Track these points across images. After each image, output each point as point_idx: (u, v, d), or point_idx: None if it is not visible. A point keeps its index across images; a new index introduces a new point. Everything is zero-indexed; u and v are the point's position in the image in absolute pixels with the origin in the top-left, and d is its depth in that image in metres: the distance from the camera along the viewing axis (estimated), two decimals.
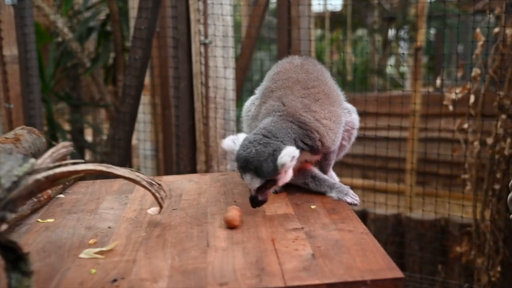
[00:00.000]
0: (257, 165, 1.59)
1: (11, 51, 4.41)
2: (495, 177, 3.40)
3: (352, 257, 1.37)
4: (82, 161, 1.29)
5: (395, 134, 4.21)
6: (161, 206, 1.60)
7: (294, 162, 1.62)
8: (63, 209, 1.86)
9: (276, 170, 1.60)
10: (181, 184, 2.13)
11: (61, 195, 2.02)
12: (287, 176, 1.67)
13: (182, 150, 3.72)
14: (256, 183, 1.62)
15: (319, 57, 7.06)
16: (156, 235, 1.57)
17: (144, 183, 1.46)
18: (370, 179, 4.65)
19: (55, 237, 1.59)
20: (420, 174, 4.88)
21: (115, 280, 1.29)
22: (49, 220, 1.74)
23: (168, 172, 4.06)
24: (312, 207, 1.78)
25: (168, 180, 2.19)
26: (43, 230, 1.66)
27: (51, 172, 1.16)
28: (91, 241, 1.54)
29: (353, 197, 1.84)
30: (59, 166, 1.22)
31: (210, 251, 1.45)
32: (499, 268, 3.28)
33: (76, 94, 6.09)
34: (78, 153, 5.53)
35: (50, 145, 4.95)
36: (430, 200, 3.88)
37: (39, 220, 1.74)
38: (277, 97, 1.83)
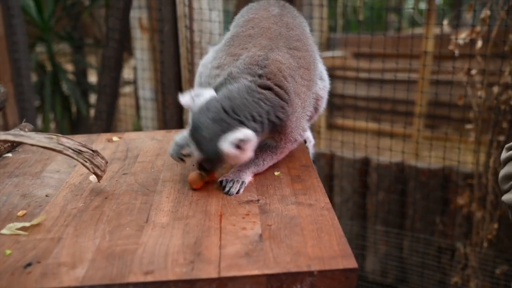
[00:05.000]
0: (200, 139, 1.40)
1: None
2: (500, 128, 3.16)
3: (304, 240, 1.19)
4: None
5: (404, 76, 3.94)
6: (97, 175, 1.42)
7: (248, 147, 1.38)
8: (5, 171, 1.70)
9: (216, 152, 1.39)
10: (142, 142, 1.95)
11: (9, 154, 1.85)
12: (239, 158, 1.41)
13: (168, 99, 3.51)
14: (196, 154, 1.44)
15: None
16: (94, 207, 1.40)
17: (69, 152, 1.27)
18: (377, 122, 4.44)
19: None
20: (429, 117, 4.64)
21: (29, 265, 1.13)
22: None
23: (165, 121, 3.86)
24: (276, 173, 1.59)
25: (129, 138, 2.01)
26: None
27: None
28: (20, 213, 1.38)
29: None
30: None
31: (147, 228, 1.28)
32: (496, 225, 3.11)
33: (77, 34, 5.85)
34: (81, 96, 5.38)
35: (41, 91, 4.65)
36: (438, 144, 3.67)
37: None
38: (262, 46, 1.55)
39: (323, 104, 1.77)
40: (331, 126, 5.87)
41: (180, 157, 1.65)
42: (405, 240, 3.87)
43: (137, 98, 5.85)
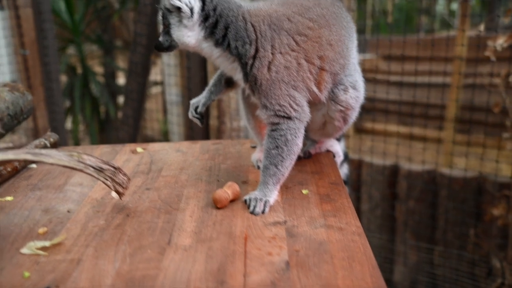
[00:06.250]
0: None
1: None
2: None
3: (333, 269, 1.11)
4: (4, 146, 1.06)
5: (437, 79, 3.80)
6: (118, 193, 1.37)
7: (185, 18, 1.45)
8: (28, 183, 1.67)
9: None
10: (166, 154, 1.90)
11: (34, 165, 1.83)
12: (181, 30, 1.48)
13: None
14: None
15: None
16: (115, 225, 1.36)
17: (90, 170, 1.23)
18: (406, 126, 4.30)
19: (6, 222, 1.40)
20: (462, 123, 4.48)
21: None
22: (8, 198, 1.56)
23: (191, 126, 3.81)
24: (304, 192, 1.52)
25: (154, 149, 1.97)
26: None
27: None
28: (41, 230, 1.34)
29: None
30: None
31: (169, 251, 1.22)
32: None
33: (107, 36, 5.91)
34: (110, 98, 5.42)
35: (70, 95, 4.71)
36: (470, 150, 3.52)
37: None
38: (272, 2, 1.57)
39: (353, 115, 1.68)
40: (359, 131, 5.75)
41: (195, 116, 1.74)
42: (436, 251, 3.74)
43: (164, 101, 5.86)
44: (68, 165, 1.18)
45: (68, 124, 5.49)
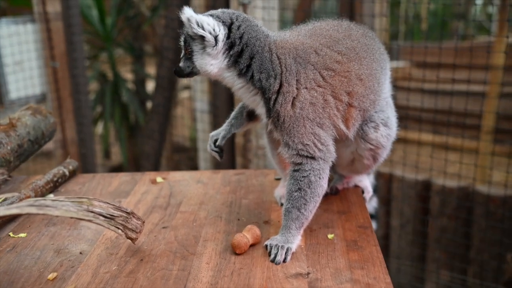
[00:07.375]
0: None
1: (54, 7, 4.25)
2: None
3: None
4: (10, 195, 1.00)
5: (471, 88, 3.62)
6: (131, 239, 1.30)
7: (207, 35, 1.36)
8: (44, 217, 1.62)
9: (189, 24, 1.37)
10: (186, 186, 1.82)
11: (51, 195, 1.78)
12: (204, 58, 1.39)
13: (220, 121, 3.40)
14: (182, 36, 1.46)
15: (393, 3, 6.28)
16: (128, 272, 1.28)
17: (99, 220, 1.15)
18: (441, 134, 4.10)
19: (16, 264, 1.35)
20: (500, 133, 4.24)
21: None
22: (21, 234, 1.50)
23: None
24: (329, 236, 1.41)
25: (174, 179, 1.89)
26: (8, 250, 1.42)
27: None
28: (51, 276, 1.28)
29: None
30: None
31: None
32: None
33: (138, 43, 5.94)
34: (139, 105, 5.43)
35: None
36: (506, 161, 3.31)
37: (11, 234, 1.51)
38: (299, 33, 1.49)
39: (383, 153, 1.57)
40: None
41: (214, 149, 1.62)
42: (469, 282, 3.55)
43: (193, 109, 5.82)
44: (76, 216, 1.11)
45: (99, 129, 5.56)
